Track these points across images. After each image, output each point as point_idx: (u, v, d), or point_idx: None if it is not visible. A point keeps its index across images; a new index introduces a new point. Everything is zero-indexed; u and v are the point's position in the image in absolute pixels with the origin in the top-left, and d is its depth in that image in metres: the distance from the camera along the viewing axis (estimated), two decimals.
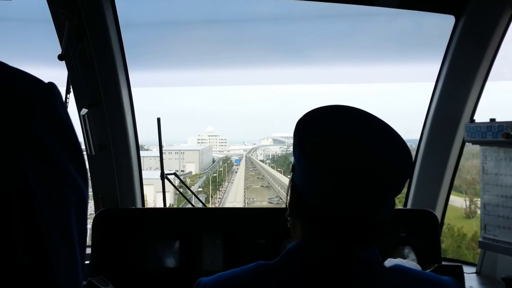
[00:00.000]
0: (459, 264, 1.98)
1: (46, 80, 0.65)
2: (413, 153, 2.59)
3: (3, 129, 0.56)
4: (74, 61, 2.23)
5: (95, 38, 2.24)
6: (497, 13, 2.13)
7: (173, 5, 3.11)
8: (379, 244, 1.00)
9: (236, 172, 39.99)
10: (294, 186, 1.05)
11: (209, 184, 29.59)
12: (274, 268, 0.99)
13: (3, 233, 0.53)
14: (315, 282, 0.94)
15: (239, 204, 26.24)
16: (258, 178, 38.08)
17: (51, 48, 2.24)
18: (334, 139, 0.97)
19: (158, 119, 2.48)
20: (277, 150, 45.17)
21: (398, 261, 1.52)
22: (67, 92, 2.29)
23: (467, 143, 2.31)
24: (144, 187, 2.73)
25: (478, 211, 2.13)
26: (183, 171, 31.59)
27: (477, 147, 2.07)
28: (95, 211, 2.52)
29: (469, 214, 14.12)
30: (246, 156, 46.76)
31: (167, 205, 2.74)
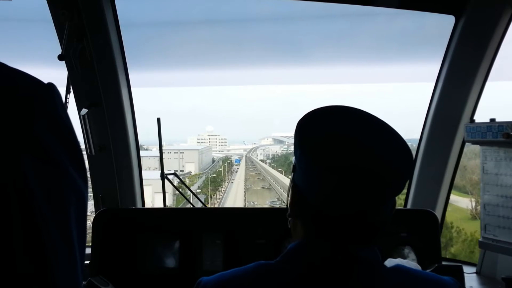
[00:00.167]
0: (459, 264, 1.98)
1: (46, 80, 0.65)
2: (414, 153, 2.59)
3: (2, 130, 0.56)
4: (74, 61, 2.23)
5: (95, 38, 2.24)
6: (497, 13, 2.13)
7: (173, 5, 3.11)
8: (379, 244, 1.00)
9: (236, 172, 39.77)
10: (295, 186, 1.05)
11: (208, 184, 29.31)
12: (274, 268, 0.99)
13: (3, 233, 0.53)
14: (315, 282, 0.94)
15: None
16: (258, 179, 37.36)
17: (51, 48, 2.24)
18: (335, 139, 0.97)
19: (158, 119, 2.49)
20: (277, 149, 45.07)
21: (398, 261, 1.52)
22: (67, 92, 2.29)
23: (467, 143, 2.31)
24: None
25: None
26: (182, 171, 31.34)
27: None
28: (95, 211, 2.52)
29: (475, 215, 14.05)
30: (246, 156, 46.64)
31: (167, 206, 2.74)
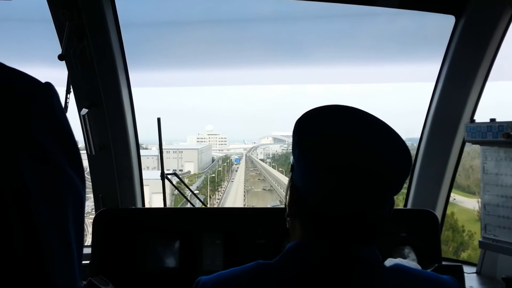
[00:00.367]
0: (459, 264, 1.98)
1: (46, 80, 0.65)
2: (414, 152, 2.59)
3: (0, 129, 0.56)
4: (74, 61, 2.23)
5: (95, 38, 2.24)
6: (497, 13, 2.13)
7: (173, 5, 3.11)
8: (379, 244, 1.00)
9: (236, 171, 39.53)
10: (293, 186, 1.05)
11: (207, 184, 28.97)
12: (273, 267, 0.99)
13: (0, 233, 0.53)
14: (314, 281, 0.94)
15: None
16: (259, 179, 36.55)
17: (51, 48, 2.24)
18: (333, 138, 0.97)
19: (158, 119, 2.49)
20: (277, 149, 44.97)
21: (398, 261, 1.52)
22: (67, 92, 2.29)
23: (468, 143, 2.30)
24: None
25: None
26: (181, 170, 31.01)
27: None
28: (95, 211, 2.52)
29: None
30: (246, 155, 46.51)
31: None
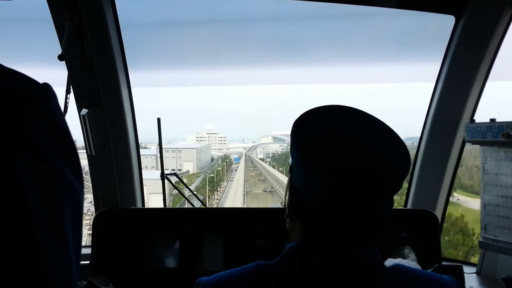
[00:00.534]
0: (459, 264, 1.98)
1: (46, 80, 0.65)
2: (414, 152, 2.59)
3: None
4: (74, 61, 2.23)
5: (95, 38, 2.24)
6: (497, 13, 2.13)
7: (173, 5, 3.11)
8: (379, 244, 1.00)
9: (236, 170, 39.31)
10: (292, 186, 1.05)
11: (206, 185, 28.64)
12: (273, 268, 0.99)
13: None
14: (314, 282, 0.94)
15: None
16: (259, 180, 35.74)
17: (51, 48, 2.24)
18: (332, 138, 0.97)
19: (158, 119, 2.49)
20: (277, 148, 44.88)
21: (398, 261, 1.52)
22: (67, 92, 2.29)
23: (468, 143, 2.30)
24: None
25: None
26: (180, 170, 30.60)
27: None
28: (95, 211, 2.52)
29: None
30: (245, 155, 46.38)
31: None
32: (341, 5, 2.32)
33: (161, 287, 2.05)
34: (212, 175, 31.53)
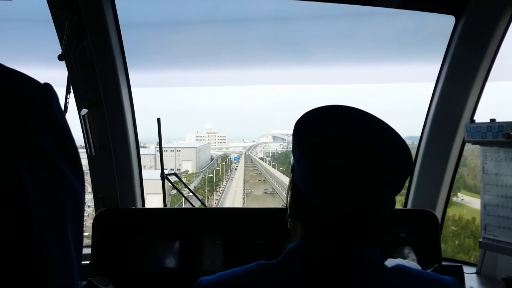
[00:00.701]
0: (459, 264, 1.98)
1: (45, 80, 0.65)
2: (414, 151, 2.59)
3: None
4: (74, 61, 2.23)
5: (95, 38, 2.24)
6: (497, 13, 2.12)
7: (173, 5, 3.11)
8: (379, 244, 1.00)
9: (235, 169, 39.01)
10: (294, 186, 1.05)
11: (204, 185, 28.18)
12: (274, 268, 0.99)
13: None
14: (316, 282, 0.94)
15: None
16: (259, 180, 34.67)
17: (51, 48, 2.24)
18: (334, 138, 0.97)
19: (158, 119, 2.48)
20: (277, 147, 44.75)
21: (399, 261, 1.53)
22: (67, 92, 2.29)
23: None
24: None
25: None
26: (179, 169, 30.14)
27: None
28: (95, 211, 2.52)
29: None
30: (245, 154, 46.23)
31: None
32: (341, 5, 2.32)
33: (161, 287, 2.05)
34: (211, 175, 31.20)
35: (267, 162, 40.39)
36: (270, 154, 43.89)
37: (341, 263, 0.96)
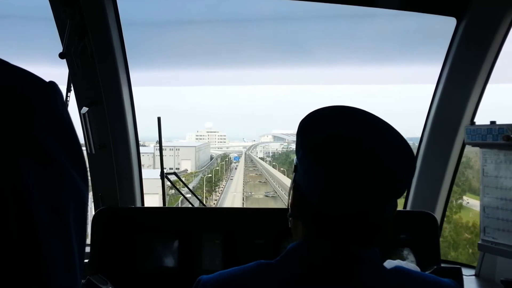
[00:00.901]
0: (458, 266, 1.98)
1: (46, 78, 0.65)
2: (415, 152, 2.59)
3: (2, 129, 0.56)
4: (75, 59, 2.23)
5: (96, 36, 2.24)
6: (498, 16, 2.13)
7: (174, 4, 3.11)
8: (378, 245, 1.00)
9: (236, 169, 38.79)
10: (296, 186, 1.05)
11: (203, 185, 27.96)
12: (274, 267, 0.99)
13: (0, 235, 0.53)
14: (316, 282, 0.94)
15: None
16: (260, 182, 34.00)
17: (52, 46, 2.24)
18: (337, 139, 0.98)
19: (159, 119, 2.49)
20: (277, 147, 44.71)
21: (397, 262, 1.53)
22: (68, 90, 2.29)
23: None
24: None
25: None
26: (178, 168, 30.21)
27: None
28: (95, 209, 2.52)
29: None
30: (245, 154, 46.12)
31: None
32: (342, 5, 2.32)
33: (160, 286, 2.05)
34: (209, 175, 30.92)
35: (267, 162, 40.21)
36: (271, 154, 43.84)
37: (342, 263, 0.96)
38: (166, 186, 2.66)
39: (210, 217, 2.16)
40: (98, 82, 2.34)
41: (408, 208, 2.62)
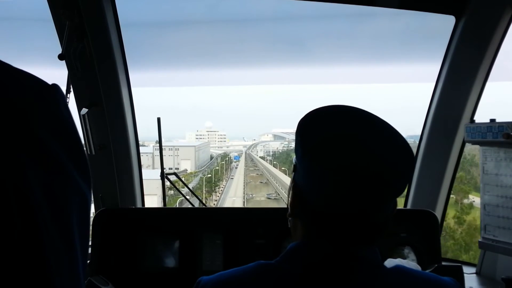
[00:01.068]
0: (459, 264, 1.98)
1: (45, 79, 0.65)
2: (415, 151, 2.59)
3: (5, 132, 0.56)
4: (74, 60, 2.23)
5: (95, 37, 2.24)
6: (497, 14, 2.12)
7: (174, 5, 3.11)
8: (379, 244, 1.00)
9: (236, 168, 38.56)
10: (295, 186, 1.05)
11: (202, 185, 27.66)
12: (274, 267, 0.99)
13: (3, 235, 0.53)
14: (315, 282, 0.95)
15: None
16: (261, 183, 33.15)
17: (51, 47, 2.24)
18: (336, 138, 0.97)
19: (158, 119, 2.49)
20: (277, 146, 44.61)
21: (398, 261, 1.53)
22: (67, 91, 2.29)
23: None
24: None
25: None
26: (177, 168, 29.98)
27: None
28: (95, 210, 2.52)
29: None
30: (245, 153, 45.98)
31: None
32: (341, 5, 2.32)
33: (160, 286, 2.05)
34: (209, 175, 30.61)
35: (268, 161, 40.04)
36: (271, 153, 43.76)
37: (341, 263, 0.96)
38: (165, 187, 2.67)
39: (211, 217, 2.16)
40: (98, 83, 2.34)
41: (408, 206, 2.62)
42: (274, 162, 37.90)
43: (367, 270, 0.96)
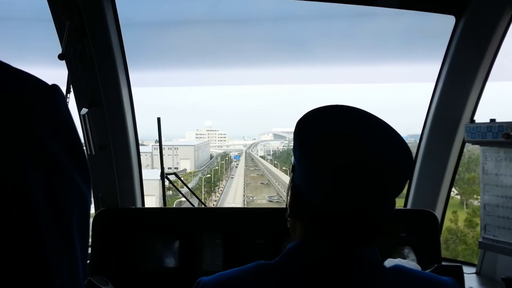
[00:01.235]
0: (459, 264, 1.98)
1: (45, 79, 0.65)
2: (414, 150, 2.59)
3: (5, 132, 0.56)
4: (74, 60, 2.23)
5: (95, 37, 2.24)
6: (497, 14, 2.12)
7: (174, 5, 3.11)
8: (379, 244, 1.00)
9: (236, 167, 38.34)
10: (294, 186, 1.05)
11: (202, 186, 27.38)
12: (274, 268, 0.99)
13: (2, 236, 0.53)
14: (315, 282, 0.95)
15: None
16: (262, 183, 32.28)
17: (51, 47, 2.24)
18: (334, 138, 0.97)
19: (158, 119, 2.49)
20: (278, 145, 44.54)
21: (398, 261, 1.53)
22: (67, 91, 2.29)
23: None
24: None
25: None
26: (177, 168, 29.76)
27: None
28: (95, 210, 2.52)
29: None
30: (246, 152, 45.86)
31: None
32: (342, 5, 2.32)
33: (161, 286, 2.05)
34: (208, 175, 30.36)
35: (268, 161, 39.87)
36: (271, 152, 43.69)
37: (340, 263, 0.96)
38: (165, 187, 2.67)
39: (211, 217, 2.16)
40: (98, 83, 2.34)
41: (408, 206, 2.62)
42: (275, 162, 37.68)
43: (366, 270, 0.96)
